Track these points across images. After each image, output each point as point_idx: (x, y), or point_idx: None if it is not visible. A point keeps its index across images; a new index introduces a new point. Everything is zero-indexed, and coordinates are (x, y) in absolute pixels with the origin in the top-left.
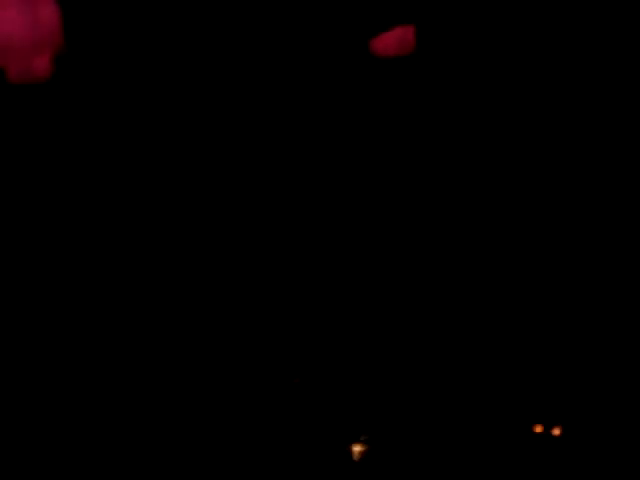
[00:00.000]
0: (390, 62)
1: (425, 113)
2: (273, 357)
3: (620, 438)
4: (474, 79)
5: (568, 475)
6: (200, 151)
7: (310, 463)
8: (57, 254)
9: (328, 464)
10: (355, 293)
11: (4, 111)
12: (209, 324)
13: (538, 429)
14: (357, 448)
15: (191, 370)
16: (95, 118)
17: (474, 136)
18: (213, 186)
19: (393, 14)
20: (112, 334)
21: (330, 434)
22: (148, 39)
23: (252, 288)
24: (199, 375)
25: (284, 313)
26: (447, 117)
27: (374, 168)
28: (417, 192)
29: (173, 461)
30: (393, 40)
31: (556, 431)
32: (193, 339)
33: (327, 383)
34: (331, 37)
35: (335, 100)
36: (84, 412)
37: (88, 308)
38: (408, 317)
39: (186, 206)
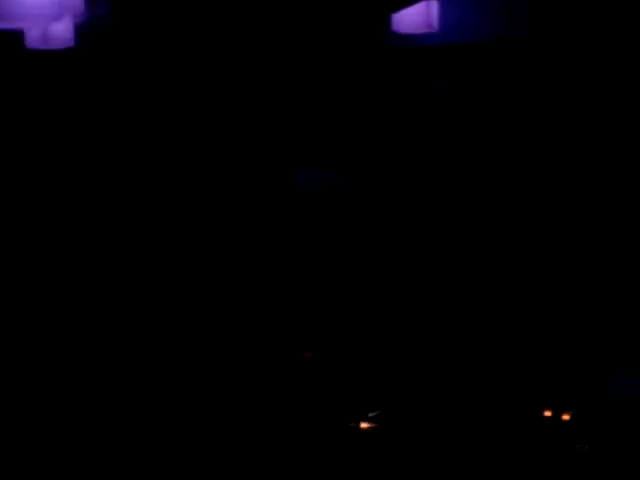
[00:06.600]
0: (411, 38)
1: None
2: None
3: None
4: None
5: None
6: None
7: (320, 438)
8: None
9: (337, 439)
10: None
11: (21, 77)
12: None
13: (547, 413)
14: (364, 425)
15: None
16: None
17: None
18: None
19: None
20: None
21: (339, 411)
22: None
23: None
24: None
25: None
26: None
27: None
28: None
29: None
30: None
31: (565, 416)
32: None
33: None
34: (352, 13)
35: (353, 81)
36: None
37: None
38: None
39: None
